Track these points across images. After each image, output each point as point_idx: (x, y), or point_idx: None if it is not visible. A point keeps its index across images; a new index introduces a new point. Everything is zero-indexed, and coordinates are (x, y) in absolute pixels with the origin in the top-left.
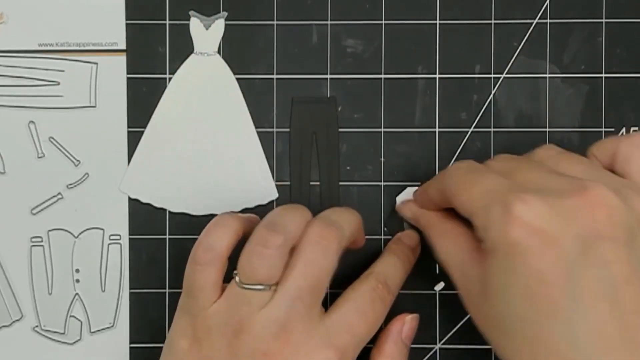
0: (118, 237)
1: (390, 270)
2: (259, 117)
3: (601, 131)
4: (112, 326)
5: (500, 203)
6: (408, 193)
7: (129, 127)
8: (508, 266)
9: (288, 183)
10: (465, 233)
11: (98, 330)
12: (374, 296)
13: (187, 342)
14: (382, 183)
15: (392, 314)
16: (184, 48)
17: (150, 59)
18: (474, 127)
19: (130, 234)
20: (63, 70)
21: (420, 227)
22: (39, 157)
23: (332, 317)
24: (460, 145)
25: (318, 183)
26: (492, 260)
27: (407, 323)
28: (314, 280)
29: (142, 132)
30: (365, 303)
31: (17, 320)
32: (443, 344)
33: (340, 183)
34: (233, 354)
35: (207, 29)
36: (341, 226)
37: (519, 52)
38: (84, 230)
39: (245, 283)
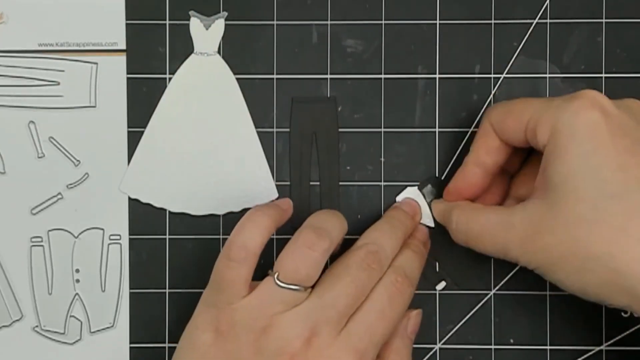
0: (118, 237)
1: (408, 263)
2: (259, 117)
3: None
4: (112, 326)
5: (563, 98)
6: (408, 193)
7: (129, 127)
8: (593, 147)
9: (288, 183)
10: (497, 207)
11: (98, 330)
12: (393, 292)
13: (211, 336)
14: (382, 183)
15: None
16: (184, 48)
17: (150, 59)
18: (474, 127)
19: (130, 234)
20: (63, 70)
21: (450, 219)
22: (39, 157)
23: (355, 319)
24: (460, 145)
25: (318, 183)
26: (571, 150)
27: (412, 318)
28: (350, 291)
29: (142, 132)
30: (384, 301)
31: (17, 320)
32: (443, 344)
33: (340, 183)
34: (258, 350)
35: (207, 29)
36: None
37: (519, 52)
38: (84, 230)
39: (283, 281)
